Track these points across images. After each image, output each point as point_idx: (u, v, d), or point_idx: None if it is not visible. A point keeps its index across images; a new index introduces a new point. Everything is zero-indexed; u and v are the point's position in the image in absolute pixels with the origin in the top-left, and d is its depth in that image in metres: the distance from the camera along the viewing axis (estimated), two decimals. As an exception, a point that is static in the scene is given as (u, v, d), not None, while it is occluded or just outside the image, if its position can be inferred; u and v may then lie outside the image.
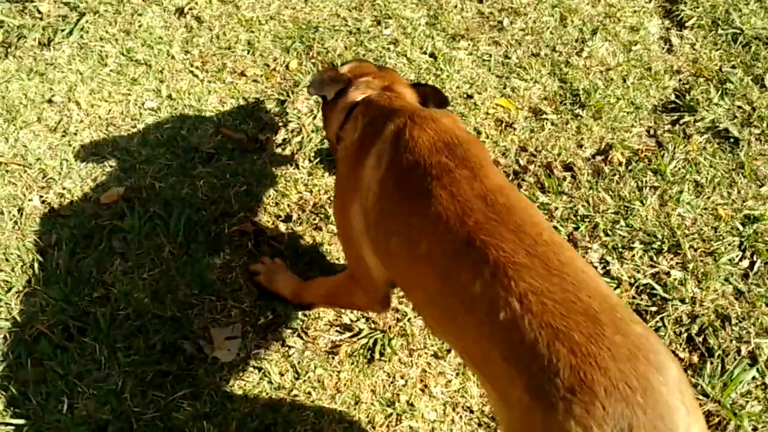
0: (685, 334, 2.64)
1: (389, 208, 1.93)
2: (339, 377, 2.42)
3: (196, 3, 3.45)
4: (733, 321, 2.67)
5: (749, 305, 2.72)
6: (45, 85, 3.06)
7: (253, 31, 3.37)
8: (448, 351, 2.53)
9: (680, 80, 3.43)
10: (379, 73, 2.46)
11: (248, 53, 3.29)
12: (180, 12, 3.40)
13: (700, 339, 2.63)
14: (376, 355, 2.47)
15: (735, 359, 2.58)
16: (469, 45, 3.44)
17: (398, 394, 2.41)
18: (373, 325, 2.54)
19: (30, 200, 2.71)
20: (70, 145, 2.89)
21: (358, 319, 2.54)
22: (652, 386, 1.45)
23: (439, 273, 1.77)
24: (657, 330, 2.62)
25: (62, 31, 3.24)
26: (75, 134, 2.92)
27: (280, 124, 3.06)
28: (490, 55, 3.41)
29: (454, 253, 1.74)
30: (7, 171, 2.77)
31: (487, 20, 3.56)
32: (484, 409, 2.43)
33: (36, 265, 2.54)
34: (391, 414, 2.37)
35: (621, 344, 1.50)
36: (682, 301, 2.70)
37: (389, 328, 2.54)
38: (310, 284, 2.51)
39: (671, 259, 2.81)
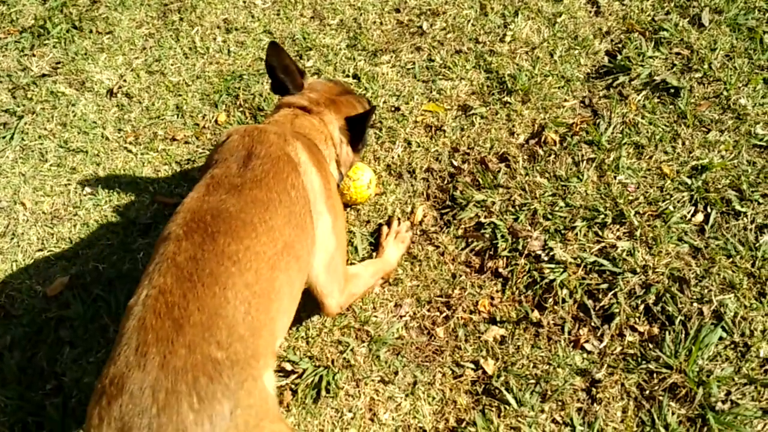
0: (642, 306, 2.52)
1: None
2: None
3: (125, 80, 3.55)
4: (692, 282, 2.53)
5: (708, 261, 2.57)
6: (-8, 194, 3.21)
7: (180, 95, 3.44)
8: (395, 374, 2.49)
9: (611, 41, 3.29)
10: (325, 95, 2.60)
11: (177, 117, 3.36)
12: (110, 93, 3.51)
13: (658, 308, 2.50)
14: (323, 392, 2.45)
15: (698, 322, 2.44)
16: (391, 57, 3.40)
17: (347, 429, 2.38)
18: (316, 363, 2.52)
19: (-15, 307, 2.84)
20: (18, 246, 3.01)
21: (301, 359, 2.52)
22: (178, 406, 1.60)
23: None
24: (610, 307, 2.51)
25: (4, 138, 3.38)
26: (22, 234, 3.04)
27: (214, 179, 3.10)
28: (414, 63, 3.37)
29: (166, 238, 1.92)
30: (-39, 284, 2.91)
31: (407, 28, 3.52)
32: (438, 426, 2.37)
33: (-7, 369, 2.65)
34: (340, 450, 2.34)
35: (180, 356, 1.66)
36: (633, 272, 2.57)
37: (332, 362, 2.52)
38: None
39: (617, 230, 2.69)
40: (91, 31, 3.83)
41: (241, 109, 3.34)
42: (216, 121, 3.32)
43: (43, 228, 3.05)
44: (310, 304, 2.41)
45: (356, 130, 2.54)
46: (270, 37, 3.61)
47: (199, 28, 3.72)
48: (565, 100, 3.11)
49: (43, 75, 3.66)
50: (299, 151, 2.24)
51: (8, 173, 3.27)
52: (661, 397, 2.32)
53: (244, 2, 3.81)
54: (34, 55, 3.78)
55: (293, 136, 2.29)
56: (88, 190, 3.15)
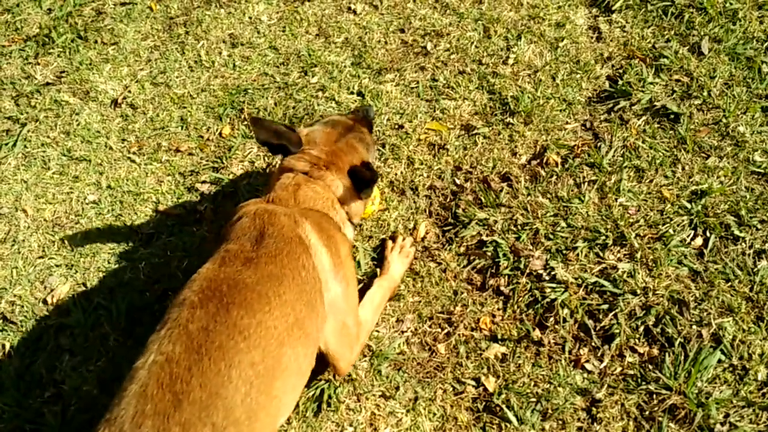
0: (642, 328, 2.54)
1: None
2: (287, 436, 2.41)
3: (130, 91, 3.56)
4: (691, 305, 2.56)
5: (707, 285, 2.60)
6: (-7, 200, 3.20)
7: (185, 107, 3.46)
8: (396, 389, 2.49)
9: (612, 66, 3.35)
10: (324, 149, 2.53)
11: (182, 129, 3.38)
12: (115, 103, 3.52)
13: (658, 330, 2.53)
14: (324, 406, 2.45)
15: (697, 344, 2.46)
16: (395, 76, 3.44)
17: (347, 443, 2.38)
18: (318, 376, 2.52)
19: (-16, 313, 2.82)
20: (19, 253, 3.00)
21: (302, 373, 2.53)
22: None
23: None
24: (611, 327, 2.53)
25: (6, 145, 3.38)
26: (23, 241, 3.03)
27: (217, 191, 3.11)
28: (418, 82, 3.41)
29: (181, 303, 1.93)
30: (-40, 289, 2.90)
31: (411, 48, 3.57)
32: (439, 442, 2.38)
33: (-9, 375, 2.63)
34: (341, 464, 2.34)
35: None
36: (634, 293, 2.60)
37: (334, 376, 2.52)
38: None
39: (618, 252, 2.72)
40: (96, 42, 3.86)
41: (245, 122, 3.36)
42: (220, 133, 3.33)
43: (45, 235, 3.05)
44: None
45: (360, 181, 2.50)
46: (275, 53, 3.64)
47: (204, 41, 3.75)
48: (567, 123, 3.16)
49: (47, 83, 3.68)
50: (309, 233, 2.26)
51: (10, 180, 3.27)
52: (660, 418, 2.33)
53: (250, 18, 3.84)
54: (38, 64, 3.79)
55: (301, 215, 2.30)
56: (90, 198, 3.15)
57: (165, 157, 3.28)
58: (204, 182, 3.16)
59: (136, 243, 2.97)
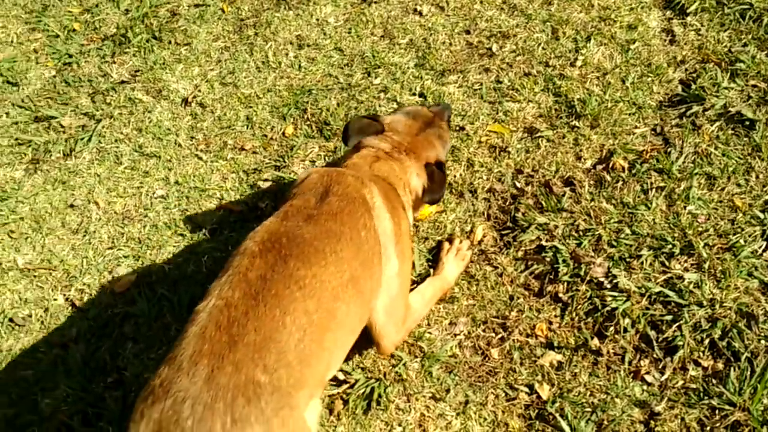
0: (707, 340, 2.44)
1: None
2: (336, 432, 2.42)
3: (200, 90, 3.67)
4: (761, 318, 2.43)
5: (779, 299, 2.47)
6: (67, 192, 3.34)
7: (251, 106, 3.53)
8: (447, 391, 2.47)
9: (686, 70, 3.23)
10: (407, 138, 2.60)
11: (247, 128, 3.45)
12: (185, 102, 3.63)
13: (724, 343, 2.42)
14: (373, 404, 2.45)
15: (765, 360, 2.34)
16: (458, 78, 3.42)
17: (396, 443, 2.37)
18: (368, 374, 2.53)
19: (55, 299, 2.95)
20: (89, 243, 3.12)
21: (353, 370, 2.53)
22: (212, 423, 1.64)
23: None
24: (674, 339, 2.44)
25: (82, 139, 3.54)
26: (94, 232, 3.16)
27: (278, 189, 3.16)
28: (481, 84, 3.37)
29: (242, 252, 2.02)
30: (35, 276, 3.03)
31: (476, 50, 3.54)
32: (489, 448, 2.34)
33: (59, 360, 2.75)
34: (389, 464, 2.33)
35: (226, 373, 1.71)
36: (700, 304, 2.50)
37: (384, 375, 2.52)
38: None
39: (684, 261, 2.62)
40: (170, 42, 3.98)
41: (308, 122, 3.40)
42: (283, 133, 3.39)
43: (114, 227, 3.17)
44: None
45: (434, 182, 2.54)
46: (340, 54, 3.68)
47: (272, 43, 3.83)
48: (636, 127, 3.06)
49: (122, 82, 3.82)
50: (375, 195, 2.30)
51: (84, 173, 3.41)
52: (723, 436, 2.23)
53: (317, 20, 3.90)
54: (114, 62, 3.95)
55: (371, 180, 2.35)
56: (159, 193, 3.26)
57: (230, 155, 3.35)
58: (266, 180, 3.22)
59: (200, 237, 3.05)
